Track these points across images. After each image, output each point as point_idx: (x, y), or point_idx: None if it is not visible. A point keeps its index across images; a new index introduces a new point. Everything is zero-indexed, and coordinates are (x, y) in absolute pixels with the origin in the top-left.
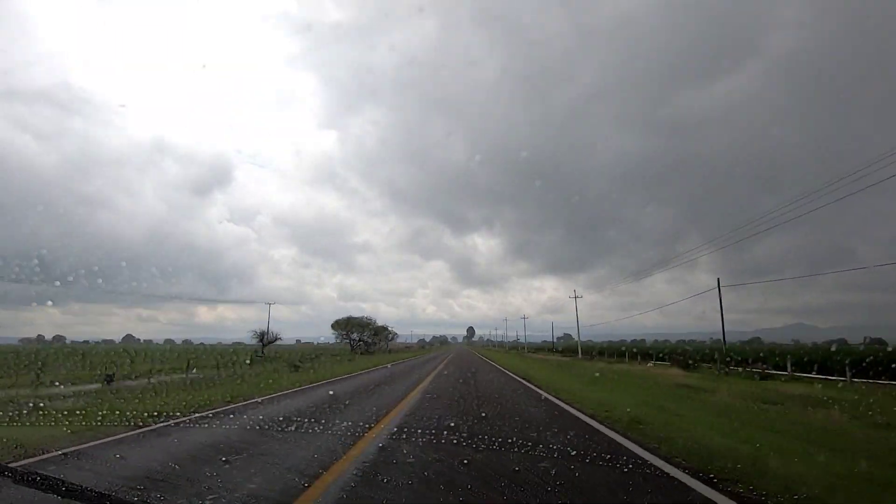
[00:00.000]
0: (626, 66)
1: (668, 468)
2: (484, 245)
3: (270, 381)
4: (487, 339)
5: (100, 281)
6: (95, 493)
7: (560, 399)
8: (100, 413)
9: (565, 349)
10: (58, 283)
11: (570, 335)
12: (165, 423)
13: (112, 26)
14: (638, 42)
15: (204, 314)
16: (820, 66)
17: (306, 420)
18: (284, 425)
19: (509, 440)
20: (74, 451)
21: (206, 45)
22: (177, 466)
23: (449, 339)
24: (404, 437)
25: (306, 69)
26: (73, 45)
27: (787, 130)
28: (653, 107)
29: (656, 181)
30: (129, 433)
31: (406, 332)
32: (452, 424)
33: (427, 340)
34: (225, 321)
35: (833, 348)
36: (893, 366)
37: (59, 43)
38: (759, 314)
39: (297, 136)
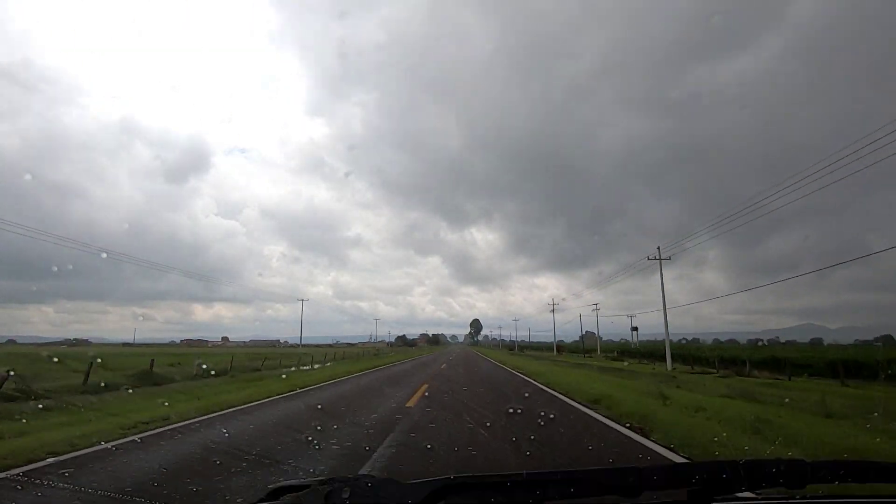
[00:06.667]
0: (634, 40)
1: None
2: (483, 240)
3: None
4: (492, 339)
5: (83, 269)
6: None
7: None
8: None
9: (577, 350)
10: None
11: (592, 333)
12: None
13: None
14: (646, 12)
15: (200, 312)
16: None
17: None
18: None
19: None
20: None
21: (185, 24)
22: None
23: (448, 339)
24: None
25: (291, 50)
26: (36, 20)
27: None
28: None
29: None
30: None
31: (411, 332)
32: None
33: (410, 338)
34: (222, 319)
35: None
36: None
37: (19, 19)
38: (766, 315)
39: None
